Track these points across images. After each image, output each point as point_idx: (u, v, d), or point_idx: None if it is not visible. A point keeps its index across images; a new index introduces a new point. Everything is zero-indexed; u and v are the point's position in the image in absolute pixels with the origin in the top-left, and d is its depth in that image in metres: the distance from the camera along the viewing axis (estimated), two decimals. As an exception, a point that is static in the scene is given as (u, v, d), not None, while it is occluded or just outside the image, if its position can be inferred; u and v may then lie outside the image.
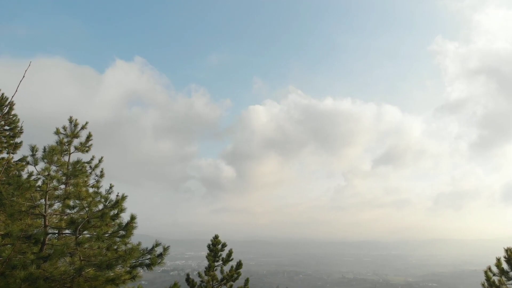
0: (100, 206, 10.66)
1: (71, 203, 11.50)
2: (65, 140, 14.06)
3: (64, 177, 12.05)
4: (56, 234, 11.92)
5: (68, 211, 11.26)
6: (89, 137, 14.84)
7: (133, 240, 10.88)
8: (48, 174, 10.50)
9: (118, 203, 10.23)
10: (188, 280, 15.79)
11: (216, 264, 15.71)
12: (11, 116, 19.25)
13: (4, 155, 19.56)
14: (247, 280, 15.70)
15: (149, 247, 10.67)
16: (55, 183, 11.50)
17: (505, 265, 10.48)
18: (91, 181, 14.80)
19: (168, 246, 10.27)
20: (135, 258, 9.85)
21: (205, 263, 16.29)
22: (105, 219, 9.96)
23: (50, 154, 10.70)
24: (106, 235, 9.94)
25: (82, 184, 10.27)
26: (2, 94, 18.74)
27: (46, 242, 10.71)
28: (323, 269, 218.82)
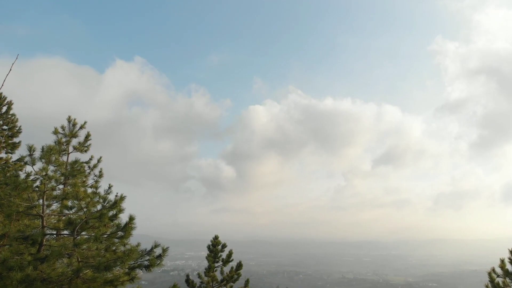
0: (99, 207, 10.52)
1: (69, 203, 11.37)
2: (64, 139, 13.92)
3: (62, 177, 11.91)
4: (54, 235, 11.79)
5: (66, 211, 11.12)
6: (87, 136, 14.71)
7: (133, 240, 10.74)
8: (46, 174, 10.35)
9: (117, 204, 10.08)
10: (188, 281, 15.65)
11: (216, 265, 15.57)
12: (10, 116, 19.11)
13: (3, 155, 19.43)
14: (247, 281, 15.56)
15: (149, 247, 10.53)
16: (53, 183, 11.37)
17: (509, 266, 10.34)
18: (90, 181, 14.68)
19: (167, 247, 10.12)
20: (134, 259, 9.71)
21: (205, 263, 16.16)
22: (104, 220, 9.82)
23: (48, 154, 10.55)
24: (105, 236, 9.79)
25: (80, 184, 10.11)
26: (0, 93, 18.60)
27: (44, 243, 10.58)
28: (323, 269, 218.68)
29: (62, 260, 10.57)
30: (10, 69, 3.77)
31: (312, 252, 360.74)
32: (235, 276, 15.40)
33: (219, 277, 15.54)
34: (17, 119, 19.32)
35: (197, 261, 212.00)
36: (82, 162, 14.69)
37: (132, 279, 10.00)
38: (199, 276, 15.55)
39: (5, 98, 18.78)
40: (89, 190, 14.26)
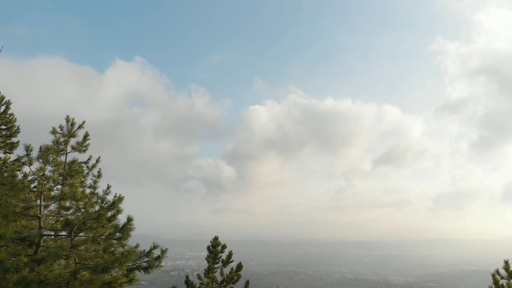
0: (97, 208, 10.36)
1: (67, 204, 11.22)
2: (62, 139, 13.76)
3: (60, 178, 11.77)
4: (52, 236, 11.64)
5: (64, 212, 10.96)
6: (86, 136, 14.53)
7: (133, 240, 10.59)
8: (43, 175, 10.20)
9: (115, 204, 9.92)
10: (188, 282, 15.50)
11: (216, 266, 15.41)
12: (8, 116, 18.97)
13: (1, 155, 19.29)
14: (247, 282, 15.41)
15: (149, 247, 10.38)
16: (51, 183, 11.22)
17: (513, 268, 10.19)
18: (89, 181, 14.53)
19: (166, 249, 9.97)
20: (132, 261, 9.56)
21: (206, 263, 16.00)
22: (101, 221, 9.65)
23: (45, 153, 10.41)
24: (102, 237, 9.63)
25: (78, 184, 9.95)
26: (-1, 93, 18.44)
27: (41, 244, 10.42)
28: (323, 269, 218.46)
29: (60, 261, 10.43)
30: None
31: (312, 252, 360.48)
32: (235, 277, 15.25)
33: (219, 278, 15.38)
34: (15, 118, 19.18)
35: (197, 261, 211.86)
36: (81, 162, 14.54)
37: (130, 281, 9.85)
38: (199, 277, 15.40)
39: (3, 98, 18.64)
40: (88, 191, 14.13)
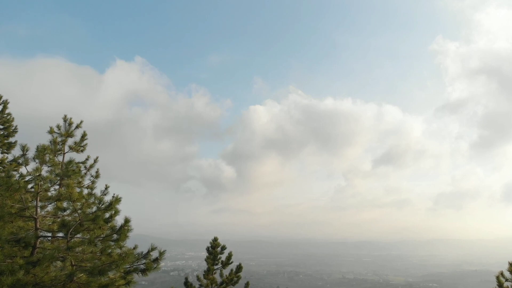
0: (94, 208, 10.17)
1: (64, 204, 11.04)
2: (59, 139, 13.56)
3: (57, 178, 11.58)
4: (49, 238, 11.46)
5: (60, 213, 10.77)
6: (84, 136, 14.30)
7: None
8: (39, 175, 10.02)
9: (112, 205, 9.73)
10: (187, 283, 15.30)
11: (215, 267, 15.21)
12: (5, 115, 18.76)
13: (-2, 155, 19.09)
14: (247, 284, 15.22)
15: (149, 247, 10.20)
16: (48, 184, 11.04)
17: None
18: (86, 181, 14.32)
19: (164, 251, 9.78)
20: (130, 263, 9.37)
21: (206, 263, 15.81)
22: (98, 222, 9.46)
23: (42, 153, 10.23)
24: (99, 238, 9.44)
25: (74, 185, 9.76)
26: (-4, 92, 18.24)
27: (38, 245, 10.25)
28: (323, 269, 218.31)
29: (56, 263, 10.25)
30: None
31: (312, 252, 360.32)
32: (235, 279, 15.05)
33: (218, 279, 15.19)
34: (13, 118, 18.97)
35: (198, 261, 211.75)
36: (78, 163, 14.34)
37: (128, 283, 9.66)
38: (198, 278, 15.21)
39: (1, 97, 18.44)
40: (85, 191, 13.94)
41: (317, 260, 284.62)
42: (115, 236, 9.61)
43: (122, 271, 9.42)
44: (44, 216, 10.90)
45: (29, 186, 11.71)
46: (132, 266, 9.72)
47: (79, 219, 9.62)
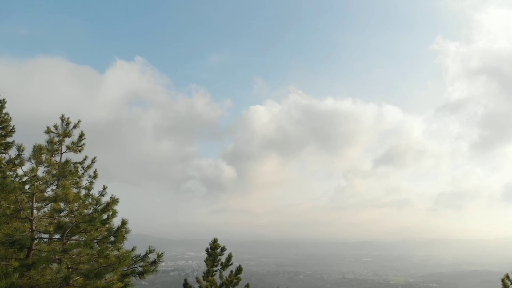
0: (91, 210, 9.96)
1: (62, 205, 10.85)
2: (56, 139, 13.37)
3: (53, 179, 11.38)
4: (46, 239, 11.26)
5: (57, 214, 10.55)
6: (81, 136, 14.11)
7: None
8: (35, 175, 9.80)
9: (109, 207, 9.52)
10: (186, 285, 15.10)
11: (215, 269, 15.00)
12: (3, 115, 18.52)
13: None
14: (247, 286, 15.01)
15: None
16: (44, 184, 10.83)
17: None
18: (84, 182, 14.13)
19: (162, 253, 9.57)
20: (127, 265, 9.17)
21: (205, 264, 15.61)
22: (95, 224, 9.25)
23: (37, 153, 10.02)
24: (95, 241, 9.23)
25: (70, 186, 9.55)
26: (-7, 92, 18.02)
27: (34, 247, 10.05)
28: (323, 270, 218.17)
29: (52, 266, 10.05)
30: None
31: (312, 252, 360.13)
32: (235, 281, 14.84)
33: (218, 281, 14.99)
34: (10, 118, 18.72)
35: (198, 261, 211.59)
36: (76, 163, 14.16)
37: (125, 286, 9.45)
38: (197, 280, 14.99)
39: (-2, 97, 18.22)
40: (83, 192, 13.74)
41: (317, 260, 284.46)
42: (112, 238, 9.39)
43: (119, 273, 9.20)
44: (41, 218, 10.69)
45: (27, 187, 11.53)
46: (129, 269, 9.51)
47: (75, 221, 9.40)
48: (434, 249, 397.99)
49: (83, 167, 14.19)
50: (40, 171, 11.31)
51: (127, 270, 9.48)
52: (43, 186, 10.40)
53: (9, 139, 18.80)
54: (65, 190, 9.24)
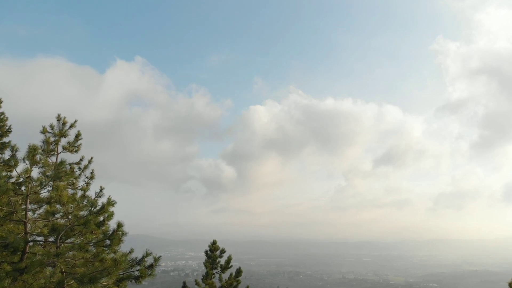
0: (86, 212, 9.69)
1: (57, 207, 10.58)
2: (52, 139, 13.08)
3: (49, 180, 11.10)
4: (42, 242, 10.99)
5: (51, 217, 10.28)
6: (78, 136, 13.77)
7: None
8: (29, 176, 9.53)
9: (104, 209, 9.23)
10: (185, 288, 14.86)
11: (214, 271, 14.74)
12: (-2, 115, 18.21)
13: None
14: (247, 288, 14.76)
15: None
16: (38, 186, 10.57)
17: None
18: (81, 183, 13.83)
19: (159, 257, 9.29)
20: (123, 270, 8.89)
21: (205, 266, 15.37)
22: (90, 226, 8.97)
23: (32, 154, 9.75)
24: (90, 244, 8.96)
25: (63, 187, 9.26)
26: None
27: (28, 251, 9.79)
28: (323, 270, 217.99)
29: (47, 269, 9.78)
30: None
31: (312, 252, 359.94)
32: (235, 283, 14.58)
33: (217, 284, 14.73)
34: (6, 117, 18.39)
35: (198, 261, 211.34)
36: (72, 163, 13.87)
37: (121, 291, 9.19)
38: (197, 283, 14.72)
39: (-6, 96, 17.91)
40: (80, 193, 13.45)
41: (317, 260, 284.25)
42: (107, 241, 9.11)
43: (115, 278, 8.93)
44: (35, 220, 10.43)
45: (23, 188, 11.25)
46: (125, 273, 9.24)
47: (70, 223, 9.13)
48: (434, 249, 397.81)
49: (79, 168, 13.87)
50: (35, 172, 11.07)
51: (123, 274, 9.21)
52: (37, 188, 10.13)
53: (5, 139, 18.51)
54: (58, 191, 8.95)
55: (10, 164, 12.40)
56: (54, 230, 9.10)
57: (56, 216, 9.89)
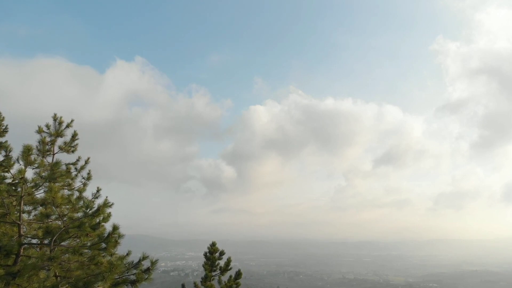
0: (82, 214, 9.44)
1: (53, 209, 10.34)
2: (48, 139, 12.83)
3: (44, 180, 10.86)
4: (37, 245, 10.75)
5: (46, 219, 10.04)
6: (74, 135, 13.53)
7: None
8: (23, 177, 9.28)
9: (100, 210, 8.97)
10: (183, 291, 14.61)
11: (213, 274, 14.50)
12: (-5, 114, 17.95)
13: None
14: (246, 291, 14.53)
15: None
16: (33, 187, 10.33)
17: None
18: (77, 183, 13.57)
19: (156, 260, 9.05)
20: (118, 274, 8.65)
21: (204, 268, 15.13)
22: (85, 229, 8.72)
23: (26, 154, 9.51)
24: (85, 247, 8.71)
25: (57, 188, 9.02)
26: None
27: (22, 253, 9.55)
28: (323, 270, 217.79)
29: (41, 273, 9.55)
30: None
31: (312, 253, 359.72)
32: (234, 286, 14.32)
33: (216, 287, 14.48)
34: (3, 117, 18.16)
35: (197, 261, 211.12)
36: (69, 164, 13.62)
37: (118, 295, 8.94)
38: (195, 285, 14.47)
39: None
40: (76, 194, 13.20)
41: (317, 260, 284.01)
42: (102, 244, 8.86)
43: (110, 282, 8.68)
44: (30, 222, 10.18)
45: (19, 189, 11.01)
46: (121, 277, 8.99)
47: (64, 226, 8.88)
48: (434, 249, 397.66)
49: (76, 168, 13.62)
50: (31, 173, 10.82)
51: (118, 278, 8.96)
52: (32, 189, 9.89)
53: (1, 139, 18.26)
54: (52, 193, 8.69)
55: (4, 164, 12.18)
56: (48, 232, 8.85)
57: (52, 218, 9.64)
